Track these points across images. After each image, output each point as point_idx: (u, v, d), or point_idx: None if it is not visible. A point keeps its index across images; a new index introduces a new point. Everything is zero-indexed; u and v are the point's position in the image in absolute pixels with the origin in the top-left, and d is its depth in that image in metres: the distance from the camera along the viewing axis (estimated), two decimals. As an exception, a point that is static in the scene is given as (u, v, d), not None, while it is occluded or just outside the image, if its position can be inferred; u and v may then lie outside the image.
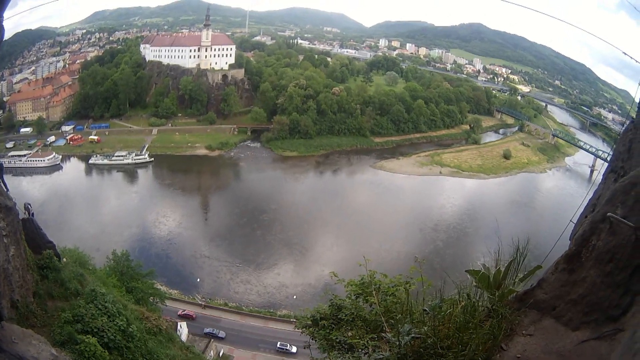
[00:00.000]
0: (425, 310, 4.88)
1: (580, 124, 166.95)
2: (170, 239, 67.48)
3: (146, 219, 73.14)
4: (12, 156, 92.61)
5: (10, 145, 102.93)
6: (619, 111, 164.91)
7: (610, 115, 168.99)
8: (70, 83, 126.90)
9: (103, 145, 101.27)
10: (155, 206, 78.17)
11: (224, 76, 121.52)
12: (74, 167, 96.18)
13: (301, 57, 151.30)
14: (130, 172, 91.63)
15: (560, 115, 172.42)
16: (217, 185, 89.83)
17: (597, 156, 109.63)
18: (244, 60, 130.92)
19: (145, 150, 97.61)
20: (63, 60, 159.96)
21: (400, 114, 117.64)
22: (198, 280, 56.62)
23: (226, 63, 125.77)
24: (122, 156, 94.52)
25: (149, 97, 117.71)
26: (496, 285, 4.75)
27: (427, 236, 70.70)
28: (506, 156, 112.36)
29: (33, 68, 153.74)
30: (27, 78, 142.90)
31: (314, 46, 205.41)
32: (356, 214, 75.63)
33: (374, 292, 6.27)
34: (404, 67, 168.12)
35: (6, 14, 8.40)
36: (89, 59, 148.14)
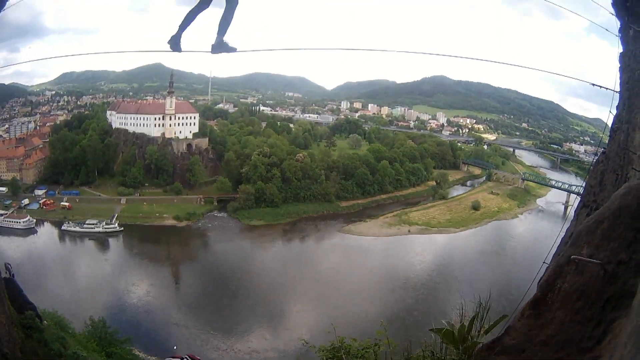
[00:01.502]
0: None
1: (550, 163, 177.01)
2: (142, 306, 68.50)
3: (118, 286, 74.31)
4: None
5: None
6: (592, 142, 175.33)
7: (582, 148, 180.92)
8: (41, 146, 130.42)
9: (74, 212, 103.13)
10: (126, 274, 79.32)
11: (189, 145, 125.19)
12: (47, 232, 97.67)
13: (264, 124, 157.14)
14: (101, 241, 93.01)
15: (529, 157, 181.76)
16: (186, 255, 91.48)
17: (569, 191, 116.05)
18: (208, 129, 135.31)
19: (115, 219, 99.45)
20: (34, 121, 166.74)
21: (365, 176, 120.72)
22: (175, 347, 56.30)
23: (190, 132, 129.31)
24: (93, 224, 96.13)
25: (116, 166, 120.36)
26: (461, 339, 5.08)
27: (397, 295, 72.63)
28: (475, 207, 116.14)
29: (7, 126, 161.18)
30: (1, 136, 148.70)
31: (276, 112, 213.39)
32: (325, 279, 77.59)
33: (343, 357, 6.64)
34: (366, 128, 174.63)
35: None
36: (58, 122, 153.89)
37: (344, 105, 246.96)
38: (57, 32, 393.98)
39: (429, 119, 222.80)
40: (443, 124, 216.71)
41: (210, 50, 7.84)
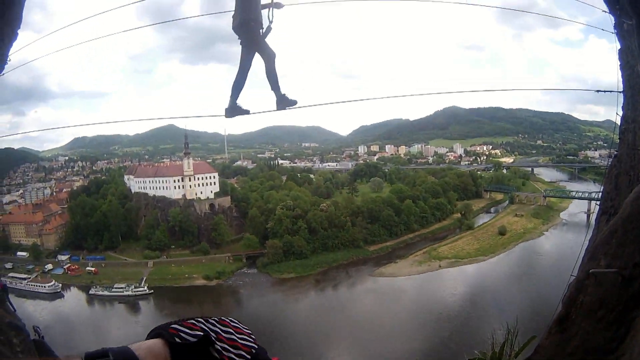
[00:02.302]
0: None
1: (569, 175, 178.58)
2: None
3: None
4: (13, 277, 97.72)
5: (9, 266, 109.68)
6: (605, 145, 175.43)
7: (596, 154, 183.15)
8: (59, 212, 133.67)
9: (101, 276, 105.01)
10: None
11: (211, 205, 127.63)
12: (75, 296, 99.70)
13: (284, 178, 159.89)
14: (131, 304, 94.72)
15: (547, 173, 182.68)
16: (219, 313, 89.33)
17: (589, 199, 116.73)
18: (229, 188, 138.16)
19: (143, 282, 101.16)
20: (50, 187, 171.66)
21: (391, 218, 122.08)
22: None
23: (211, 192, 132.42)
24: (121, 288, 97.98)
25: (139, 230, 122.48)
26: None
27: (430, 330, 73.76)
28: (501, 232, 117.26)
29: (21, 191, 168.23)
30: (16, 201, 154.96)
31: (295, 164, 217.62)
32: (359, 323, 78.97)
33: None
34: (386, 170, 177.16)
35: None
36: (74, 188, 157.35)
37: (362, 149, 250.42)
38: (63, 96, 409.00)
39: (447, 152, 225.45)
40: (461, 155, 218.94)
41: (275, 107, 7.96)
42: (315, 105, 8.27)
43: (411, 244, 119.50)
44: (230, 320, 1.59)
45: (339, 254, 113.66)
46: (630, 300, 3.78)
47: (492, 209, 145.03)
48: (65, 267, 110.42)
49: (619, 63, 7.83)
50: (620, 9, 7.35)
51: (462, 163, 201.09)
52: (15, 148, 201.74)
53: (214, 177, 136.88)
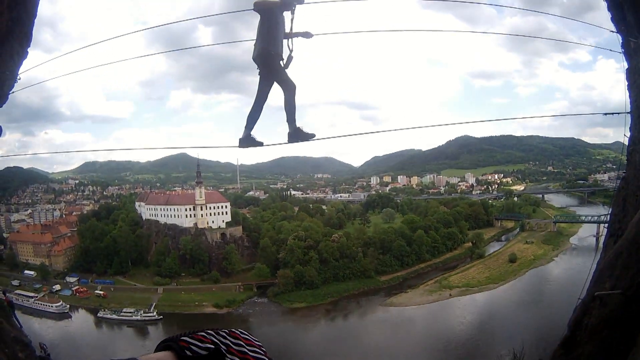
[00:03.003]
0: None
1: (579, 200, 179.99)
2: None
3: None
4: (20, 294, 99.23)
5: (16, 283, 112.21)
6: (614, 167, 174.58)
7: (605, 176, 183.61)
8: (69, 234, 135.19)
9: (110, 300, 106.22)
10: None
11: (223, 234, 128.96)
12: (82, 318, 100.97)
13: (296, 209, 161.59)
14: (140, 328, 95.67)
15: (558, 199, 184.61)
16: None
17: (598, 222, 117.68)
18: (241, 217, 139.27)
19: (153, 308, 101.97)
20: (59, 209, 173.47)
21: (402, 248, 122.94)
22: None
23: (223, 221, 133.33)
24: (130, 312, 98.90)
25: (150, 256, 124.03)
26: None
27: (439, 357, 73.24)
28: (512, 260, 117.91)
29: (30, 211, 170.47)
30: (24, 220, 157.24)
31: (307, 195, 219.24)
32: (370, 352, 78.93)
33: None
34: (398, 201, 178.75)
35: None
36: (85, 212, 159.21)
37: (374, 180, 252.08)
38: (74, 120, 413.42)
39: (459, 182, 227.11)
40: (472, 184, 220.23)
41: (287, 140, 8.04)
42: (327, 138, 8.60)
43: (422, 273, 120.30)
44: (241, 332, 1.59)
45: (350, 284, 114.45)
46: (635, 320, 3.97)
47: (503, 237, 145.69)
48: (73, 288, 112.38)
49: (626, 83, 8.07)
50: (626, 28, 7.60)
51: (473, 192, 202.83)
52: (24, 168, 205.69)
53: (226, 206, 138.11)
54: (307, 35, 7.98)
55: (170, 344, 1.46)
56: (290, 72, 7.70)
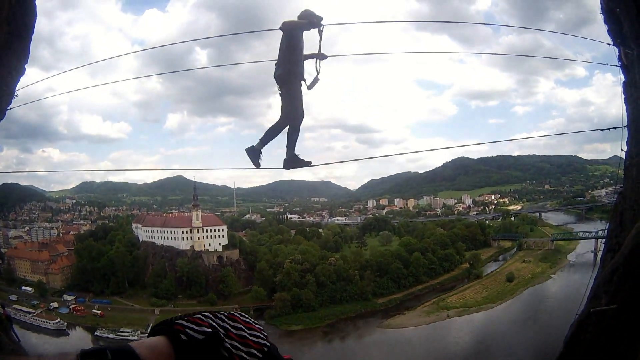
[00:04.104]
0: None
1: (576, 217, 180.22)
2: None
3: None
4: (18, 309, 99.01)
5: (14, 298, 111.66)
6: (611, 182, 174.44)
7: (603, 192, 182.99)
8: (66, 253, 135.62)
9: (107, 320, 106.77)
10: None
11: (219, 257, 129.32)
12: (80, 336, 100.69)
13: (293, 232, 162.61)
14: None
15: (555, 217, 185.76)
16: None
17: (596, 238, 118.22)
18: (237, 240, 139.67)
19: (150, 328, 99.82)
20: (57, 228, 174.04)
21: (399, 270, 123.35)
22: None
23: (220, 244, 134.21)
24: (127, 332, 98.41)
25: (147, 277, 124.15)
26: None
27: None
28: (509, 279, 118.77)
29: (27, 228, 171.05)
30: (22, 237, 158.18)
31: (304, 219, 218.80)
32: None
33: None
34: (395, 223, 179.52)
35: None
36: (82, 232, 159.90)
37: (370, 203, 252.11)
38: (71, 139, 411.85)
39: (455, 203, 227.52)
40: (469, 206, 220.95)
41: (283, 166, 8.13)
42: (322, 164, 8.92)
43: (420, 295, 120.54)
44: (240, 314, 1.53)
45: (347, 306, 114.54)
46: (630, 334, 4.00)
47: (501, 257, 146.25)
48: (71, 307, 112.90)
49: (623, 96, 7.98)
50: (623, 41, 7.60)
51: (470, 213, 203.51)
52: (22, 185, 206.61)
53: (223, 229, 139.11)
54: (322, 57, 8.13)
55: (165, 327, 1.43)
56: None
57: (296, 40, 7.84)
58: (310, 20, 7.73)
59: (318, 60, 7.96)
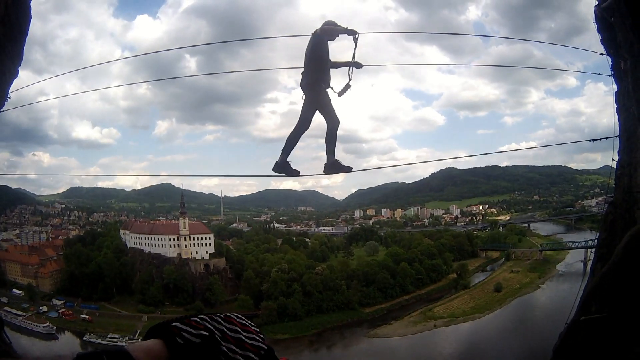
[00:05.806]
0: None
1: (565, 227, 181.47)
2: None
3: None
4: (8, 312, 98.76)
5: (4, 300, 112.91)
6: (602, 191, 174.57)
7: (593, 202, 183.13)
8: (55, 257, 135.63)
9: (95, 325, 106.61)
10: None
11: (206, 265, 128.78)
12: (69, 340, 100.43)
13: (280, 241, 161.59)
14: None
15: (544, 227, 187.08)
16: None
17: (585, 247, 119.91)
18: (224, 249, 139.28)
19: (137, 335, 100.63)
20: (46, 232, 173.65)
21: (386, 280, 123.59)
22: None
23: (207, 252, 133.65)
24: (115, 338, 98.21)
25: (134, 284, 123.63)
26: None
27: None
28: (497, 289, 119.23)
29: (17, 232, 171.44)
30: (12, 240, 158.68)
31: (291, 228, 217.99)
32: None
33: None
34: (382, 234, 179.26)
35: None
36: (70, 236, 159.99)
37: (357, 213, 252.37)
38: (61, 143, 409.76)
39: (443, 214, 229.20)
40: (457, 216, 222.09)
41: (323, 171, 8.24)
42: (358, 170, 9.00)
43: (407, 305, 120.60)
44: (237, 316, 1.55)
45: (334, 315, 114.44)
46: (619, 341, 4.11)
47: (489, 267, 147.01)
48: (60, 311, 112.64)
49: (615, 106, 8.11)
50: (616, 50, 7.68)
51: (458, 224, 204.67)
52: (13, 187, 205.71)
53: (210, 237, 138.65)
54: (357, 65, 8.22)
55: (161, 330, 1.39)
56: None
57: (324, 48, 8.07)
58: (346, 28, 7.89)
59: (351, 68, 8.11)
